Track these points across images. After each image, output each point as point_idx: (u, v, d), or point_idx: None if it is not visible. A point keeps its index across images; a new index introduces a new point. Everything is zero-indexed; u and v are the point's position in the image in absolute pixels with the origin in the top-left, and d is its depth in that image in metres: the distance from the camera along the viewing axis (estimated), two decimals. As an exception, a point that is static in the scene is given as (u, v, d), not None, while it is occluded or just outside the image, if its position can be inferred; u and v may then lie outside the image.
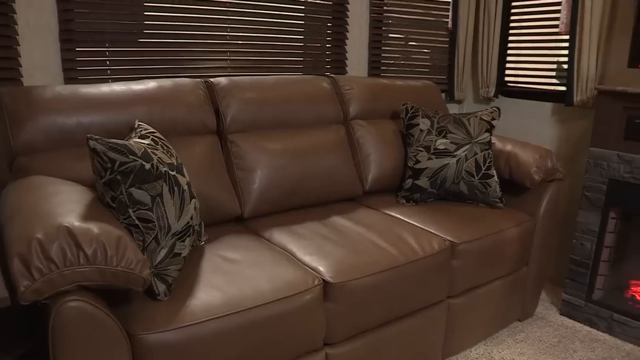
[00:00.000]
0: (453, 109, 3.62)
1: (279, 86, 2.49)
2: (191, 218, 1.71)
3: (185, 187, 1.71)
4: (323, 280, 1.79)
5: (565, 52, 3.05)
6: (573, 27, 2.92)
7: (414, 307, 2.08)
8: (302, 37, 2.95)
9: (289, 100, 2.48)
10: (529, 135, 3.34)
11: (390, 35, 3.35)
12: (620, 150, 2.58)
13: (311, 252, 1.95)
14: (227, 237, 2.06)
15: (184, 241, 1.65)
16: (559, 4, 3.10)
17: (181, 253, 1.64)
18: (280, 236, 2.10)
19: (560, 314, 2.90)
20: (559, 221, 3.22)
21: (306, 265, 1.87)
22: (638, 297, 2.74)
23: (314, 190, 2.40)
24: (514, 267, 2.53)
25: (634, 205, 2.57)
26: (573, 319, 2.85)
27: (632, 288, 2.78)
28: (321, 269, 1.85)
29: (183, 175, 1.74)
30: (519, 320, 2.79)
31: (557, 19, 3.13)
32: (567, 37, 3.03)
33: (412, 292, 2.02)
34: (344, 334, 1.86)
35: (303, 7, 2.91)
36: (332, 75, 2.80)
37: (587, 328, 2.77)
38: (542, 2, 3.22)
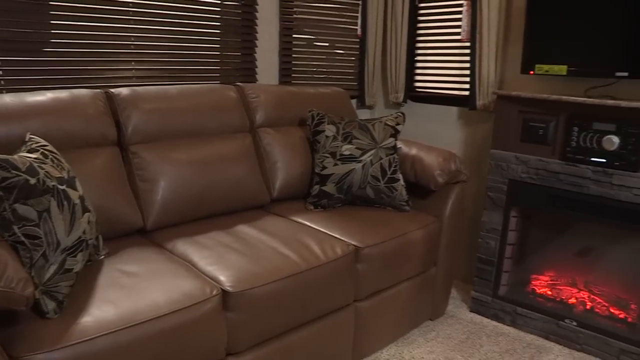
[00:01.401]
0: (365, 114, 3.69)
1: (184, 96, 2.47)
2: (84, 232, 1.67)
3: (77, 201, 1.67)
4: (222, 289, 1.78)
5: (468, 58, 3.16)
6: (473, 35, 3.03)
7: (319, 313, 2.10)
8: (210, 45, 2.93)
9: (193, 110, 2.46)
10: (437, 138, 3.45)
11: (301, 42, 3.37)
12: (518, 151, 2.70)
13: (212, 262, 1.94)
14: (128, 250, 2.02)
15: (75, 256, 1.61)
16: (460, 12, 3.22)
17: (72, 269, 1.60)
18: (183, 247, 2.08)
19: (470, 311, 3.00)
20: (468, 221, 3.34)
21: (206, 275, 1.86)
22: (538, 291, 2.87)
23: (220, 199, 2.39)
24: (421, 268, 2.59)
25: (531, 204, 2.70)
26: (482, 315, 2.95)
27: (533, 282, 2.91)
28: (222, 278, 1.84)
29: (75, 188, 1.69)
30: (431, 320, 2.86)
31: (459, 26, 3.24)
32: (468, 44, 3.14)
33: (316, 298, 2.04)
34: (247, 343, 1.86)
35: (213, 16, 2.89)
36: (239, 83, 2.79)
37: (494, 323, 2.88)
38: (445, 10, 3.33)
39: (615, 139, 2.39)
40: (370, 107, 3.69)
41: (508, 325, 2.85)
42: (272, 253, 2.03)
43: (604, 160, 2.44)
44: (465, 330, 2.79)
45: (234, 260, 1.95)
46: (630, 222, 2.42)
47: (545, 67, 2.66)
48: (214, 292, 1.75)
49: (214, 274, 1.87)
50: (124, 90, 2.33)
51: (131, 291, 1.67)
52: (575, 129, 2.50)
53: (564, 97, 2.50)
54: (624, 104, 2.33)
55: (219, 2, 2.92)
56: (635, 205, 2.39)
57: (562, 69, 2.62)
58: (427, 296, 2.72)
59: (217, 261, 1.95)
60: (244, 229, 2.28)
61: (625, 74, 2.44)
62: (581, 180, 2.52)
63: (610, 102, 2.37)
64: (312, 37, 3.41)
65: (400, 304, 2.53)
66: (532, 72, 2.71)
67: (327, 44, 3.48)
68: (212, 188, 2.37)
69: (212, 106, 2.54)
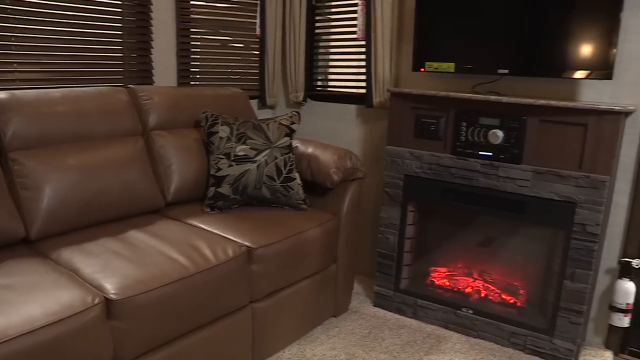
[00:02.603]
0: (266, 114, 3.68)
1: (69, 100, 2.38)
2: (-53, 247, 1.57)
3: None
4: (105, 298, 1.73)
5: (365, 56, 3.21)
6: (368, 34, 3.08)
7: (213, 316, 2.07)
8: (105, 47, 2.84)
9: (79, 114, 2.37)
10: (338, 136, 3.48)
11: (200, 43, 3.32)
12: (412, 147, 2.77)
13: (98, 270, 1.88)
14: (8, 262, 1.92)
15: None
16: (355, 11, 3.26)
17: None
18: (68, 256, 2.00)
19: (374, 306, 3.05)
20: (370, 217, 3.39)
21: (90, 284, 1.80)
22: (437, 282, 2.95)
23: (110, 205, 2.32)
24: (320, 265, 2.61)
25: (426, 198, 2.77)
26: (385, 309, 3.00)
27: (432, 274, 2.99)
28: (107, 286, 1.78)
29: None
30: (334, 316, 2.88)
31: (355, 25, 3.29)
32: (364, 42, 3.19)
33: (208, 301, 2.02)
34: (136, 352, 1.81)
35: (106, 16, 2.80)
36: (130, 86, 2.72)
37: (396, 316, 2.93)
38: (341, 10, 3.37)
39: (500, 133, 2.49)
40: (271, 107, 3.68)
41: (410, 317, 2.92)
42: (160, 258, 1.99)
43: (491, 154, 2.54)
44: (368, 325, 2.83)
45: (120, 267, 1.89)
46: (515, 212, 2.53)
47: (435, 64, 2.74)
48: (96, 301, 1.69)
49: (99, 282, 1.81)
50: (1, 95, 2.22)
51: (5, 306, 1.59)
52: (464, 124, 2.59)
53: (452, 93, 2.58)
54: (505, 99, 2.43)
55: (112, 1, 2.83)
56: (520, 196, 2.50)
57: (450, 66, 2.70)
58: (328, 293, 2.74)
59: (103, 269, 1.89)
60: (135, 235, 2.22)
61: (506, 71, 2.55)
62: (471, 174, 2.61)
63: (493, 97, 2.47)
64: (211, 37, 3.36)
65: (301, 302, 2.53)
66: (422, 70, 2.78)
67: (226, 45, 3.44)
68: (101, 194, 2.29)
69: (101, 110, 2.46)
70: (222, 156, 2.54)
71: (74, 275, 1.86)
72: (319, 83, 3.60)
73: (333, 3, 3.41)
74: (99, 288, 1.78)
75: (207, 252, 2.08)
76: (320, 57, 3.57)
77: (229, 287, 2.10)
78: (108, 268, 1.89)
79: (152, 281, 1.84)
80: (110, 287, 1.78)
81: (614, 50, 2.33)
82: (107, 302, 1.73)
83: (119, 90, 2.61)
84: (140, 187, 2.44)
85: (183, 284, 1.91)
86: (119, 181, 2.36)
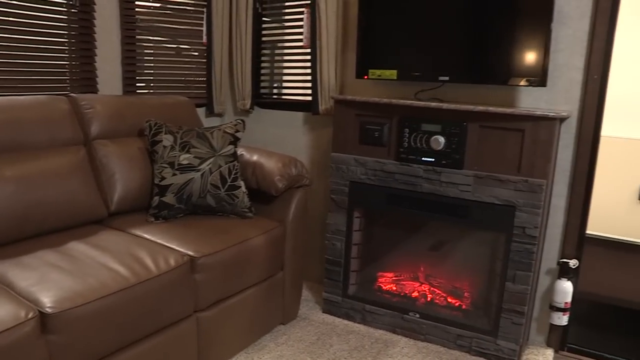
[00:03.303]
0: (214, 122, 3.67)
1: (6, 109, 2.31)
2: None
3: None
4: (40, 312, 1.69)
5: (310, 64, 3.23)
6: (313, 41, 3.11)
7: (156, 327, 2.05)
8: (48, 54, 2.78)
9: (15, 123, 2.31)
10: (285, 144, 3.49)
11: (146, 51, 3.29)
12: (357, 154, 2.80)
13: (34, 283, 1.83)
14: (-63, 277, 1.86)
15: None
16: (301, 19, 3.29)
17: None
18: (3, 270, 1.94)
19: (323, 312, 3.06)
20: (319, 223, 3.41)
21: (25, 298, 1.76)
22: (384, 287, 2.98)
23: (49, 217, 2.27)
24: (267, 273, 2.61)
25: (371, 204, 2.80)
26: (333, 315, 3.02)
27: (379, 280, 3.03)
28: (43, 299, 1.74)
29: None
30: (282, 324, 2.88)
31: (301, 33, 3.31)
32: (309, 50, 3.21)
33: (150, 312, 1.99)
34: (74, 366, 1.77)
35: (48, 22, 2.74)
36: (72, 94, 2.67)
37: (345, 322, 2.95)
38: (288, 17, 3.38)
39: (441, 139, 2.54)
40: (219, 115, 3.67)
41: (358, 323, 2.94)
42: (100, 269, 1.96)
43: (433, 159, 2.59)
44: (316, 331, 2.84)
45: (58, 280, 1.85)
46: (458, 217, 2.58)
47: (378, 72, 2.78)
48: (30, 315, 1.65)
49: (34, 295, 1.77)
50: None
51: None
52: (407, 130, 2.63)
53: (394, 100, 2.62)
54: (445, 106, 2.48)
55: (55, 8, 2.78)
56: (462, 201, 2.56)
57: (392, 73, 2.75)
58: (276, 301, 2.74)
59: (39, 282, 1.84)
60: (75, 246, 2.17)
61: (447, 78, 2.61)
62: (414, 179, 2.65)
63: (433, 104, 2.51)
64: (157, 45, 3.33)
65: (247, 310, 2.53)
66: (366, 77, 2.82)
67: (173, 53, 3.42)
68: (39, 205, 2.24)
69: (40, 119, 2.41)
70: (166, 165, 2.52)
71: (8, 289, 1.81)
72: (266, 91, 3.60)
73: (279, 11, 3.43)
74: (34, 302, 1.74)
75: (149, 262, 2.06)
76: (267, 64, 3.58)
77: (172, 297, 2.08)
78: (44, 281, 1.85)
79: (90, 293, 1.81)
80: (46, 300, 1.74)
81: (547, 59, 2.41)
82: (42, 316, 1.69)
83: (59, 99, 2.57)
84: (82, 197, 2.39)
85: (123, 295, 1.88)
86: (59, 192, 2.31)
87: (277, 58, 3.55)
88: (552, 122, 2.34)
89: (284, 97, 3.52)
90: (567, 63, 2.57)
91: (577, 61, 2.55)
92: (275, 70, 3.58)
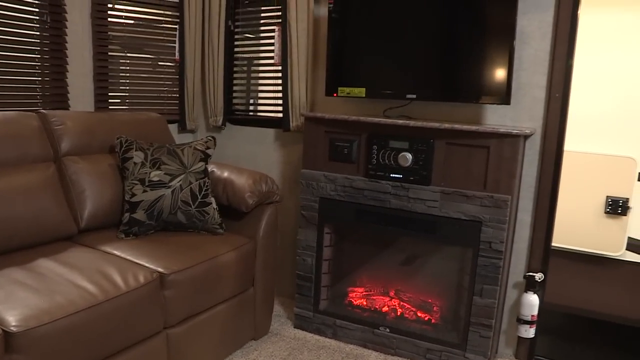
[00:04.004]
0: (187, 138, 3.68)
1: (-27, 126, 2.32)
2: None
3: None
4: (4, 330, 1.68)
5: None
6: (285, 59, 3.15)
7: (126, 344, 2.05)
8: (13, 70, 2.78)
9: (-18, 140, 2.32)
10: (257, 160, 3.52)
11: (118, 67, 3.31)
12: (326, 170, 2.84)
13: None
14: None
15: None
16: (273, 37, 3.33)
17: None
18: (-32, 288, 1.93)
19: (295, 327, 3.07)
20: (291, 239, 3.43)
21: (-10, 317, 1.75)
22: (355, 302, 3.01)
23: (17, 234, 2.26)
24: (238, 289, 2.62)
25: (341, 220, 2.84)
26: (305, 330, 3.03)
27: (350, 294, 3.05)
28: (8, 318, 1.73)
29: None
30: (254, 339, 2.89)
31: (273, 51, 3.36)
32: (280, 67, 3.26)
33: (119, 329, 1.99)
34: (40, 385, 1.77)
35: (20, 38, 2.75)
36: (42, 111, 2.67)
37: (316, 337, 2.97)
38: (259, 35, 3.43)
39: (409, 156, 2.59)
40: (192, 131, 3.69)
41: (330, 338, 2.96)
42: (68, 286, 1.95)
43: (401, 176, 2.63)
44: (287, 347, 2.85)
45: (24, 298, 1.85)
46: (426, 232, 2.63)
47: (347, 89, 2.83)
48: (-5, 335, 1.65)
49: None
50: None
51: None
52: (375, 147, 2.68)
53: (362, 117, 2.67)
54: (412, 123, 2.54)
55: (26, 24, 2.79)
56: (430, 216, 2.60)
57: (361, 91, 2.80)
58: (247, 316, 2.75)
59: (5, 300, 1.83)
60: (43, 263, 2.17)
61: (414, 96, 2.66)
62: (383, 195, 2.70)
63: (400, 121, 2.57)
64: (129, 62, 3.35)
65: (218, 326, 2.53)
66: (335, 95, 2.86)
67: (146, 69, 3.43)
68: (7, 221, 2.23)
69: (8, 136, 2.41)
70: (136, 182, 2.53)
71: (-26, 308, 1.80)
72: (238, 107, 3.63)
73: (251, 29, 3.47)
74: (1, 321, 1.73)
75: (118, 279, 2.06)
76: (239, 81, 3.62)
77: (141, 313, 2.08)
78: (10, 299, 1.84)
79: (57, 311, 1.81)
80: (11, 319, 1.73)
81: (510, 78, 2.47)
82: (7, 336, 1.68)
83: (28, 115, 2.57)
84: (51, 214, 2.39)
85: (91, 312, 1.88)
86: (27, 208, 2.31)
87: (250, 75, 3.59)
88: (515, 139, 2.40)
89: (256, 113, 3.56)
90: (530, 82, 2.64)
91: (540, 80, 2.62)
92: (250, 87, 3.62)
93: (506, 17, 2.45)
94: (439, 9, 2.60)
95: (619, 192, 3.66)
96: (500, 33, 2.46)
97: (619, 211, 3.66)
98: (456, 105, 2.81)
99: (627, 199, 3.60)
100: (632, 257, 3.70)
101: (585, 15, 3.61)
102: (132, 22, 3.34)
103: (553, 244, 3.21)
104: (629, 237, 3.68)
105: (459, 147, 2.52)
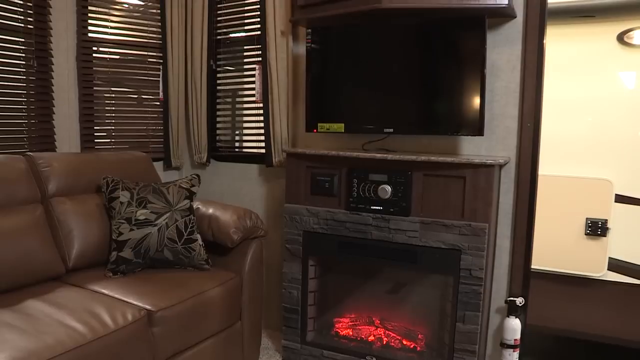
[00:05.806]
0: (173, 175, 3.75)
1: (-40, 170, 2.37)
2: None
3: None
4: (-7, 374, 1.72)
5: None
6: (266, 96, 3.24)
7: (114, 382, 2.08)
8: (1, 113, 2.85)
9: (-27, 184, 2.37)
10: (241, 195, 3.59)
11: (103, 108, 3.38)
12: (309, 204, 2.90)
13: (-12, 344, 1.86)
14: None
15: None
16: (254, 75, 3.43)
17: None
18: (-43, 332, 1.97)
19: (283, 360, 3.11)
20: (277, 272, 3.48)
21: (-21, 360, 1.78)
22: (341, 333, 3.05)
23: (6, 275, 2.30)
24: (225, 324, 2.66)
25: (325, 252, 2.90)
26: (293, 363, 3.07)
27: (336, 325, 3.10)
28: (-2, 361, 1.77)
29: None
30: (242, 373, 2.92)
31: (254, 89, 3.45)
32: (261, 105, 3.35)
33: (107, 368, 2.03)
34: None
35: (8, 83, 2.83)
36: (29, 153, 2.74)
37: (304, 369, 3.01)
38: (241, 74, 3.53)
39: (388, 188, 2.67)
40: (177, 169, 3.76)
41: (317, 368, 3.00)
42: (56, 326, 1.99)
43: (381, 208, 2.71)
44: (276, 379, 2.88)
45: (12, 339, 1.88)
46: (408, 262, 2.69)
47: (326, 125, 2.92)
48: (-16, 377, 1.68)
49: (-12, 357, 1.80)
50: None
51: None
52: (355, 180, 2.75)
53: (342, 152, 2.75)
54: (390, 156, 2.62)
55: (13, 69, 2.86)
56: (410, 246, 2.67)
57: (340, 126, 2.89)
58: (235, 350, 2.78)
59: (-6, 342, 1.87)
60: (31, 304, 2.20)
61: (391, 130, 2.76)
62: (364, 227, 2.77)
63: (379, 155, 2.65)
64: (115, 102, 3.43)
65: (206, 361, 2.57)
66: (315, 131, 2.95)
67: (130, 108, 3.51)
68: (-4, 264, 2.27)
69: (-4, 179, 2.46)
70: (123, 221, 2.58)
71: (-38, 352, 1.84)
72: (222, 144, 3.71)
73: (233, 68, 3.57)
74: (-11, 363, 1.77)
75: (106, 317, 2.10)
76: (222, 119, 3.70)
77: (129, 351, 2.12)
78: (-1, 341, 1.88)
79: (45, 351, 1.84)
80: (1, 361, 1.77)
81: (482, 110, 2.58)
82: (-5, 378, 1.72)
83: (15, 158, 2.62)
84: (39, 255, 2.43)
85: (80, 351, 1.92)
86: (15, 250, 2.35)
87: (234, 112, 3.68)
88: (489, 169, 2.49)
89: (240, 149, 3.64)
90: (503, 113, 2.74)
91: (512, 111, 2.73)
92: (235, 124, 3.70)
93: (477, 52, 2.56)
94: (413, 46, 2.71)
95: (597, 214, 3.74)
96: (472, 68, 2.57)
97: (599, 232, 3.74)
98: (433, 137, 2.90)
99: (606, 220, 3.69)
100: (613, 277, 3.77)
101: (553, 45, 3.75)
102: (117, 57, 3.42)
103: (536, 267, 3.28)
104: (610, 257, 3.75)
105: (436, 178, 2.60)
